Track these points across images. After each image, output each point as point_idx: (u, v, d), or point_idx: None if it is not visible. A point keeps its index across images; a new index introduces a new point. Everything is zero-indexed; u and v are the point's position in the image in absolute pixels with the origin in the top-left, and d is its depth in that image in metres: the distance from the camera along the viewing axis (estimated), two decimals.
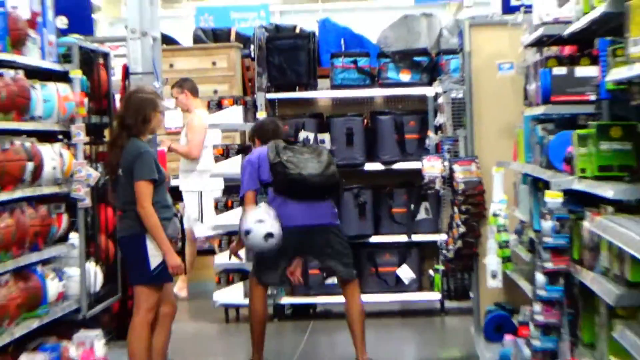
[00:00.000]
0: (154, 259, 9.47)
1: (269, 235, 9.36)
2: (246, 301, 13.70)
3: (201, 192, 14.12)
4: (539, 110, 8.19)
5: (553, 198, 7.05)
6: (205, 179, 14.38)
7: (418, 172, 13.05)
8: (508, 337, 9.25)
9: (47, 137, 9.80)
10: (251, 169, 10.85)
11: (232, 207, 13.86)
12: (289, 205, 10.61)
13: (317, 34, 15.14)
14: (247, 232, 9.69)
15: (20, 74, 9.15)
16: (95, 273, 10.35)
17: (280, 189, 10.65)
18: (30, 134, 9.38)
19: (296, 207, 10.61)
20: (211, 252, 14.75)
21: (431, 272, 13.66)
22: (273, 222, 9.59)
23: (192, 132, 13.48)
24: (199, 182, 13.99)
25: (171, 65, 15.05)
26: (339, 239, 10.95)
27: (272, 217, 9.76)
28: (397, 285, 14.15)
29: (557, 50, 8.35)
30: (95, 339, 9.91)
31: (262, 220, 9.68)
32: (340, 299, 11.29)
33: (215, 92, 15.30)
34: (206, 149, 13.87)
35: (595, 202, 6.14)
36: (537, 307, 7.33)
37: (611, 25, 6.41)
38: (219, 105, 14.60)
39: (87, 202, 10.21)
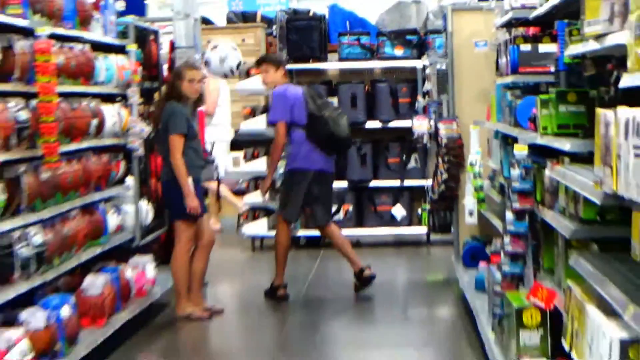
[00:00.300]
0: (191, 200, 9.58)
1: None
2: (269, 233, 13.89)
3: (213, 142, 14.06)
4: (509, 79, 8.26)
5: (520, 151, 7.06)
6: (218, 131, 14.30)
7: (409, 130, 13.41)
8: (482, 264, 9.26)
9: (108, 98, 9.81)
10: (284, 104, 10.81)
11: (258, 157, 13.94)
12: (315, 152, 10.70)
13: (327, 16, 15.16)
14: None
15: (87, 47, 9.19)
16: (146, 209, 10.37)
17: (314, 139, 10.71)
18: (94, 96, 9.39)
19: (320, 155, 10.73)
20: (241, 193, 14.75)
21: (419, 210, 13.72)
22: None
23: (208, 94, 13.40)
24: (213, 134, 13.92)
25: (208, 41, 14.95)
26: (331, 187, 11.18)
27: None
28: (392, 221, 14.25)
29: (523, 31, 8.35)
30: (147, 263, 9.95)
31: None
32: (343, 231, 11.43)
33: (245, 63, 15.23)
34: (219, 107, 13.77)
35: (554, 154, 6.14)
36: (507, 239, 7.34)
37: (568, 10, 6.42)
38: (247, 74, 14.71)
39: (140, 151, 10.21)
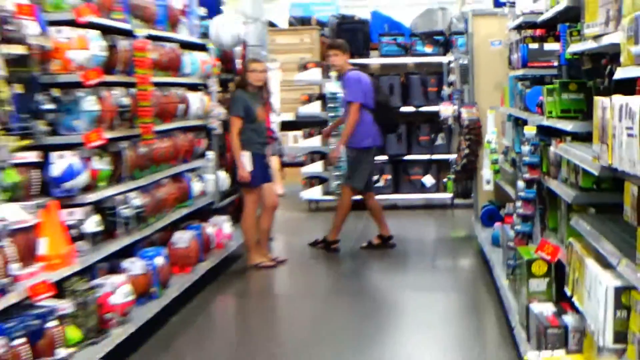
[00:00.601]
0: (247, 169, 9.65)
1: None
2: (322, 197, 13.91)
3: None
4: (519, 72, 8.25)
5: (529, 131, 7.03)
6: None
7: (436, 113, 13.45)
8: (497, 224, 9.22)
9: (192, 87, 9.84)
10: (360, 88, 10.66)
11: (313, 135, 13.94)
12: (378, 132, 10.70)
13: (369, 20, 15.09)
14: None
15: (176, 45, 9.21)
16: (223, 178, 10.38)
17: (379, 120, 10.65)
18: (181, 85, 9.43)
19: (379, 134, 10.74)
20: (300, 164, 14.76)
21: (445, 179, 13.62)
22: None
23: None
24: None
25: (273, 40, 14.98)
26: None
27: None
28: (422, 188, 14.23)
29: (532, 32, 8.26)
30: (224, 222, 9.97)
31: None
32: (383, 196, 11.41)
33: (302, 59, 15.23)
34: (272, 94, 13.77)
35: (558, 134, 6.10)
36: (518, 203, 7.32)
37: (569, 15, 6.37)
38: (305, 67, 14.71)
39: (218, 130, 10.22)
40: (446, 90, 13.84)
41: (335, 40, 11.89)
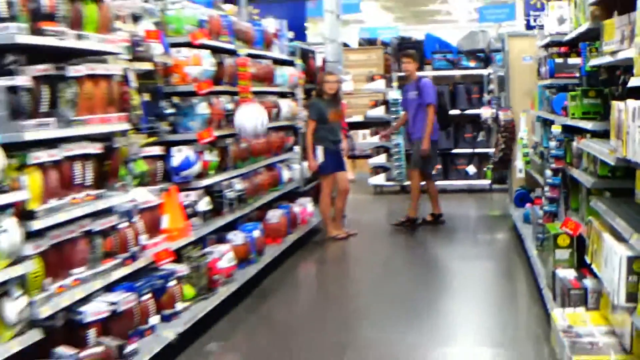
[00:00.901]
0: (320, 160, 9.70)
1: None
2: (385, 182, 13.84)
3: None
4: (547, 81, 8.14)
5: (556, 129, 6.95)
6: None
7: (478, 115, 13.22)
8: (528, 205, 9.08)
9: (283, 95, 9.84)
10: (434, 92, 10.51)
11: (379, 134, 13.86)
12: (437, 127, 10.57)
13: (423, 40, 14.98)
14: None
15: (269, 62, 9.21)
16: (306, 167, 10.35)
17: (439, 120, 10.55)
18: (274, 93, 9.45)
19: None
20: (368, 156, 14.71)
21: (485, 169, 13.51)
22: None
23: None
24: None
25: (346, 57, 14.97)
26: None
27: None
28: (466, 175, 14.02)
29: (557, 49, 8.14)
30: (307, 203, 9.97)
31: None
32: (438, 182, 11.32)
33: (370, 72, 15.21)
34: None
35: (580, 131, 6.04)
36: (546, 188, 7.23)
37: (589, 35, 6.28)
38: (372, 79, 14.71)
39: (303, 129, 10.22)
40: (486, 97, 13.73)
41: (408, 50, 11.77)
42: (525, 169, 10.17)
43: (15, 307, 4.10)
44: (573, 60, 7.58)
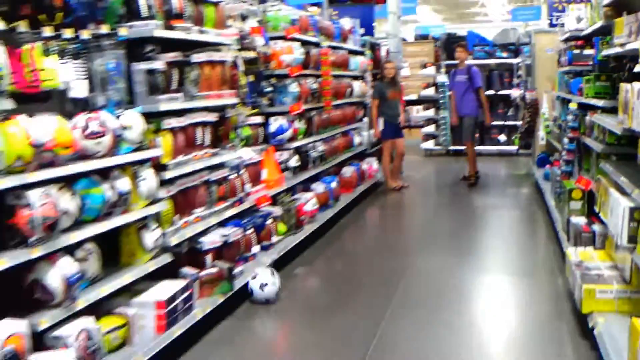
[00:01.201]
0: (381, 129, 9.66)
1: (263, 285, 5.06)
2: (434, 147, 13.70)
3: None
4: (566, 68, 7.92)
5: (573, 106, 6.81)
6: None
7: (508, 95, 13.11)
8: (548, 166, 8.89)
9: (355, 78, 9.76)
10: (481, 76, 10.22)
11: (429, 109, 13.70)
12: (475, 104, 10.15)
13: (466, 36, 14.64)
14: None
15: (345, 52, 9.13)
16: (372, 134, 10.28)
17: (477, 97, 10.15)
18: (349, 76, 9.36)
19: None
20: (420, 127, 14.55)
21: (513, 137, 13.23)
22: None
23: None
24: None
25: (405, 49, 14.79)
26: None
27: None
28: (498, 142, 13.72)
29: (575, 43, 7.91)
30: (373, 161, 9.93)
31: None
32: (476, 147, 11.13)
33: (423, 61, 15.01)
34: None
35: (592, 108, 5.86)
36: (564, 153, 7.10)
37: (601, 31, 6.12)
38: (424, 66, 14.52)
39: (369, 104, 10.15)
40: (515, 81, 13.51)
41: (462, 42, 11.57)
42: (546, 137, 9.96)
43: (151, 237, 4.19)
44: (588, 52, 7.35)
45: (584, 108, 6.44)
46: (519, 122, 12.06)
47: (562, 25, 8.98)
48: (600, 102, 5.50)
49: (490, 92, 13.39)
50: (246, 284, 5.07)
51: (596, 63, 6.59)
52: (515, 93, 13.23)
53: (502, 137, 13.71)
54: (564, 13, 10.21)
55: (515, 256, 6.53)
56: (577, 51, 7.63)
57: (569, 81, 7.49)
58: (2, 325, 2.94)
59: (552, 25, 12.05)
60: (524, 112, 11.08)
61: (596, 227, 5.14)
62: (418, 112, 15.04)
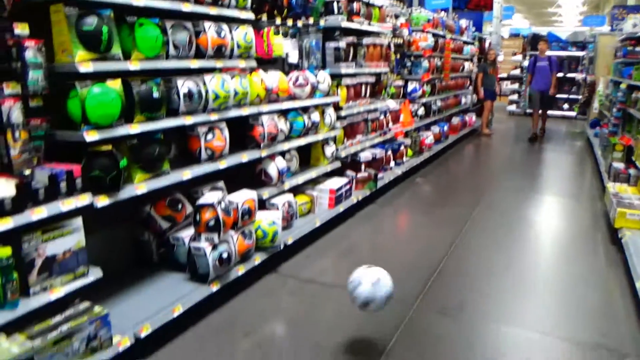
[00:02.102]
0: (482, 94, 8.92)
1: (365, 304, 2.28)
2: (515, 109, 12.56)
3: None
4: (620, 60, 6.85)
5: (623, 86, 5.92)
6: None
7: (574, 78, 11.46)
8: (598, 127, 7.92)
9: (466, 59, 8.96)
10: (557, 63, 8.81)
11: (514, 84, 12.53)
12: (550, 83, 8.71)
13: (546, 35, 13.03)
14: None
15: (461, 42, 8.46)
16: (474, 97, 9.53)
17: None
18: (462, 59, 8.66)
19: None
20: (507, 95, 13.39)
21: (574, 106, 11.86)
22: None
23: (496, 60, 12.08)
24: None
25: (502, 43, 13.52)
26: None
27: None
28: (563, 109, 12.27)
29: (629, 42, 6.82)
30: (473, 115, 9.24)
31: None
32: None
33: (514, 51, 13.69)
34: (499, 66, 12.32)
35: (638, 89, 5.08)
36: (612, 119, 6.26)
37: None
38: (514, 54, 13.25)
39: (473, 78, 9.43)
40: (580, 68, 11.93)
41: (544, 38, 10.46)
42: (599, 108, 8.82)
43: (330, 150, 4.24)
44: (638, 49, 6.36)
45: (631, 89, 5.61)
46: (579, 97, 10.80)
47: (621, 29, 7.80)
48: None
49: (561, 74, 12.00)
50: (382, 185, 5.05)
51: None
52: (579, 76, 11.79)
53: (566, 106, 12.32)
54: (623, 21, 8.91)
55: (567, 185, 5.95)
56: (630, 48, 6.59)
57: (622, 69, 6.53)
58: (243, 193, 3.13)
59: (612, 29, 10.51)
60: (584, 90, 9.89)
61: (631, 171, 4.54)
62: (507, 85, 13.87)
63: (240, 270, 2.90)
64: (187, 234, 2.83)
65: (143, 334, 2.24)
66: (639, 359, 2.41)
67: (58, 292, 2.00)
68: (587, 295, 3.02)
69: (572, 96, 12.16)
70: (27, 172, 1.87)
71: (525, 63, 11.79)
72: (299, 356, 2.38)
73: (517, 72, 12.77)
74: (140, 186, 2.38)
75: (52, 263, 1.99)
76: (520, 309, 2.86)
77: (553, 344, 2.52)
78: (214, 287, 2.69)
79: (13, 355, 1.73)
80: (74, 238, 2.05)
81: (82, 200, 2.05)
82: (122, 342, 2.15)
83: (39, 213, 1.88)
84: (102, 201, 2.16)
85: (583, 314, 2.82)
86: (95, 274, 2.15)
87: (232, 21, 3.07)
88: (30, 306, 1.90)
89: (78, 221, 2.09)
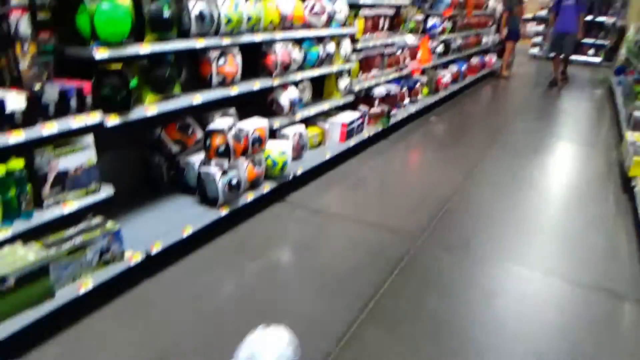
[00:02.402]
0: (505, 33, 8.61)
1: None
2: (538, 53, 12.11)
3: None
4: None
5: None
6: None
7: (602, 22, 10.81)
8: (623, 75, 7.59)
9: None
10: (585, 4, 8.10)
11: (540, 25, 11.95)
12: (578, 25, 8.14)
13: None
14: None
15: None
16: (497, 37, 9.17)
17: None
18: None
19: None
20: (530, 37, 12.84)
21: (599, 52, 11.32)
22: None
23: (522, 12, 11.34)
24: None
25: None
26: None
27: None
28: (588, 55, 11.58)
29: None
30: (493, 55, 8.88)
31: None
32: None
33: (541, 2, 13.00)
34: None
35: None
36: (639, 65, 6.00)
37: None
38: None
39: (497, 17, 9.01)
40: (611, 11, 11.11)
41: None
42: (627, 54, 8.45)
43: (343, 83, 4.15)
44: None
45: None
46: (607, 42, 10.32)
47: None
48: None
49: (590, 17, 11.44)
50: (394, 122, 4.98)
51: None
52: (609, 20, 11.19)
53: (591, 52, 11.80)
54: None
55: (583, 132, 5.81)
56: None
57: None
58: (254, 121, 3.10)
59: None
60: (613, 35, 9.42)
61: None
62: (532, 27, 13.27)
63: (250, 197, 2.93)
64: (197, 158, 2.84)
65: (154, 251, 2.30)
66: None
67: (71, 205, 2.04)
68: (593, 240, 3.03)
69: (598, 41, 11.65)
70: (37, 86, 1.84)
71: (550, 4, 11.21)
72: (303, 280, 2.46)
73: (543, 13, 12.17)
74: (150, 107, 2.36)
75: (64, 178, 2.02)
76: (525, 249, 2.88)
77: (554, 283, 2.56)
78: (223, 212, 2.73)
79: (29, 262, 1.78)
80: (85, 155, 2.08)
81: (93, 117, 2.03)
82: (134, 257, 2.21)
83: (50, 128, 1.88)
84: (113, 120, 2.15)
85: (587, 257, 2.83)
86: (107, 191, 2.18)
87: None
88: (45, 218, 1.95)
89: (89, 139, 2.10)
